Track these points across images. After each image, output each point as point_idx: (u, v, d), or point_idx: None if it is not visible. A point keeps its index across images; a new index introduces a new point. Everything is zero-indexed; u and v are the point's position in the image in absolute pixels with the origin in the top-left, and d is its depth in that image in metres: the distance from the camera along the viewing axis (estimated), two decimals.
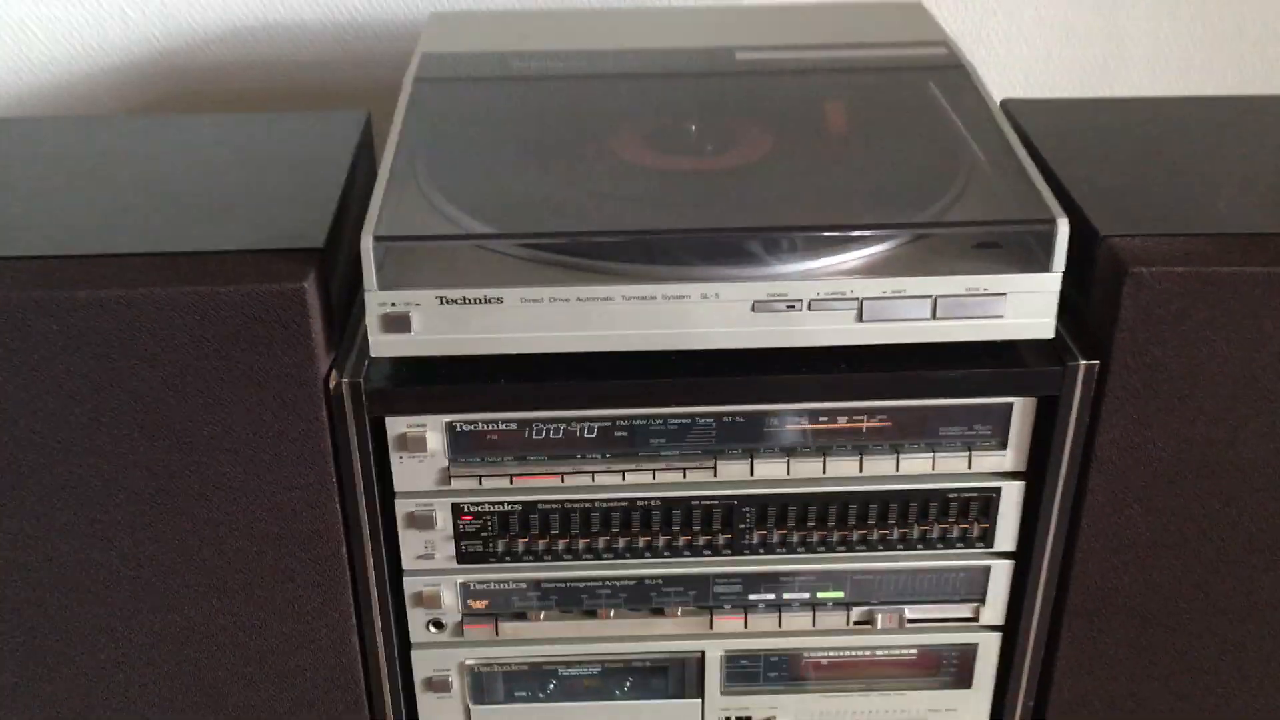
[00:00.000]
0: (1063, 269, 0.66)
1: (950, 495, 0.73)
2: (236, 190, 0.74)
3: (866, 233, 0.67)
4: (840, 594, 0.76)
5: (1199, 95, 0.87)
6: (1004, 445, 0.72)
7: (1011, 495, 0.73)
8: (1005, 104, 0.85)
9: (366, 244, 0.64)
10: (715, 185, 0.72)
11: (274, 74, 1.07)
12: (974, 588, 0.76)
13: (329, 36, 1.06)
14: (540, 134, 0.77)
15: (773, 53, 0.85)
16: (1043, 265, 0.66)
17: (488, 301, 0.65)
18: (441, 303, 0.65)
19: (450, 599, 0.75)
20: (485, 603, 0.75)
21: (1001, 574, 0.76)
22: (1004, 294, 0.66)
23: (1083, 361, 0.68)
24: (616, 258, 0.66)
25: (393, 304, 0.65)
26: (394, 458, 0.70)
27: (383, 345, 0.66)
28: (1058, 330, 0.68)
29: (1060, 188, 0.73)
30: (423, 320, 0.66)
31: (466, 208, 0.68)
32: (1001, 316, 0.67)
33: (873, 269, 0.67)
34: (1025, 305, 0.67)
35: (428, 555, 0.73)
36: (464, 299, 0.65)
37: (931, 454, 0.72)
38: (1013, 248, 0.68)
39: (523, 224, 0.68)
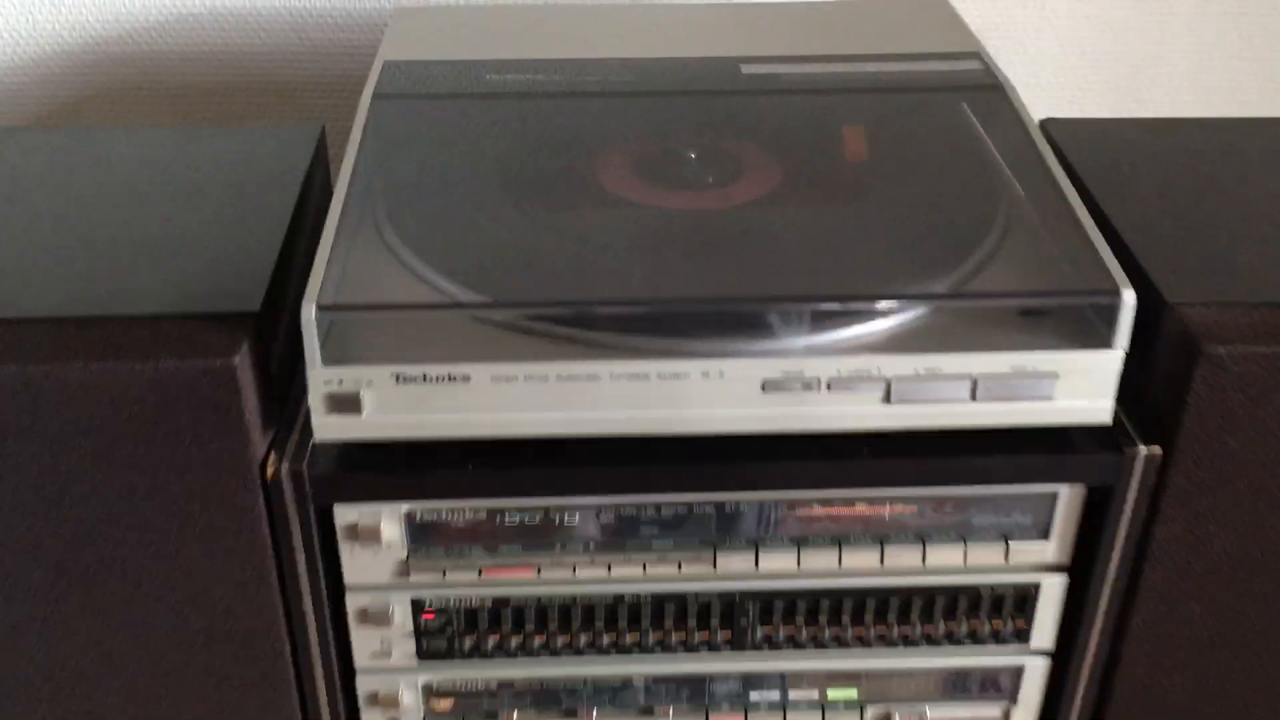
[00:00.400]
0: (1126, 347, 0.56)
1: (983, 590, 0.64)
2: (160, 231, 0.63)
3: (895, 304, 0.57)
4: (853, 693, 0.67)
5: (1260, 117, 0.77)
6: (1046, 535, 0.62)
7: (1052, 590, 0.64)
8: (1045, 125, 0.75)
9: (308, 314, 0.54)
10: (718, 229, 0.63)
11: (222, 66, 0.96)
12: (1005, 687, 0.67)
13: (285, 25, 0.95)
14: (517, 164, 0.66)
15: (782, 66, 0.74)
16: (1102, 340, 0.57)
17: (453, 380, 0.56)
18: (398, 381, 0.56)
19: (410, 699, 0.65)
20: (450, 702, 0.66)
21: (1037, 673, 0.67)
22: (1055, 374, 0.57)
23: (1143, 449, 0.59)
24: (604, 329, 0.56)
25: (340, 382, 0.56)
26: (343, 548, 0.61)
27: (329, 428, 0.57)
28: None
29: (1115, 237, 0.63)
30: (376, 400, 0.56)
31: (432, 260, 0.58)
32: (1051, 398, 0.57)
33: (901, 340, 0.57)
34: (1079, 386, 0.57)
35: (383, 653, 0.64)
36: (425, 377, 0.55)
37: (963, 544, 0.62)
38: (1064, 313, 0.58)
39: (496, 283, 0.58)
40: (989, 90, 0.71)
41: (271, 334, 0.59)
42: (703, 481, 0.60)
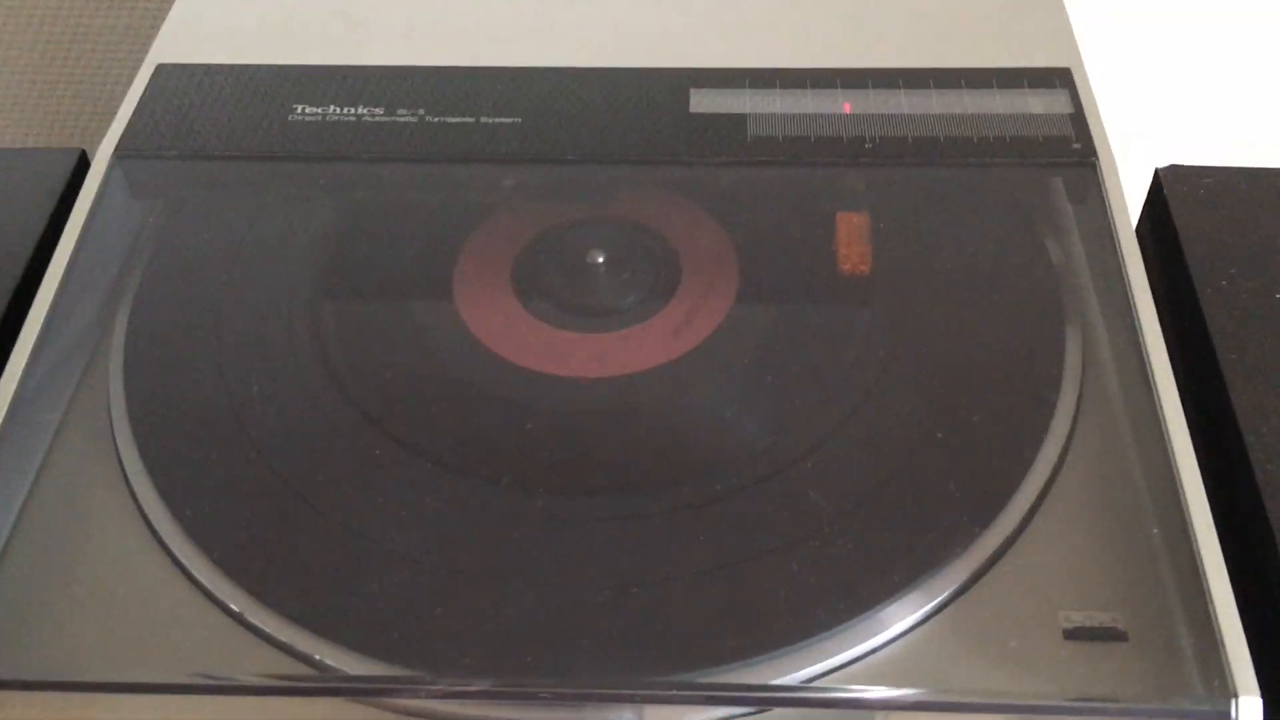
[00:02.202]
0: None
1: None
2: None
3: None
4: None
5: None
6: None
7: None
8: (1162, 179, 0.49)
9: None
10: (615, 439, 0.40)
11: None
12: None
13: None
14: (328, 303, 0.43)
15: (756, 96, 0.48)
16: None
17: None
18: None
19: None
20: None
21: None
22: None
23: None
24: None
25: None
26: None
27: None
28: None
29: (1242, 465, 0.39)
30: None
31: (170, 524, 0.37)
32: None
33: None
34: None
35: None
36: None
37: None
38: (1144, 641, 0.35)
39: (261, 579, 0.36)
40: (1074, 170, 0.45)
41: None
42: None
